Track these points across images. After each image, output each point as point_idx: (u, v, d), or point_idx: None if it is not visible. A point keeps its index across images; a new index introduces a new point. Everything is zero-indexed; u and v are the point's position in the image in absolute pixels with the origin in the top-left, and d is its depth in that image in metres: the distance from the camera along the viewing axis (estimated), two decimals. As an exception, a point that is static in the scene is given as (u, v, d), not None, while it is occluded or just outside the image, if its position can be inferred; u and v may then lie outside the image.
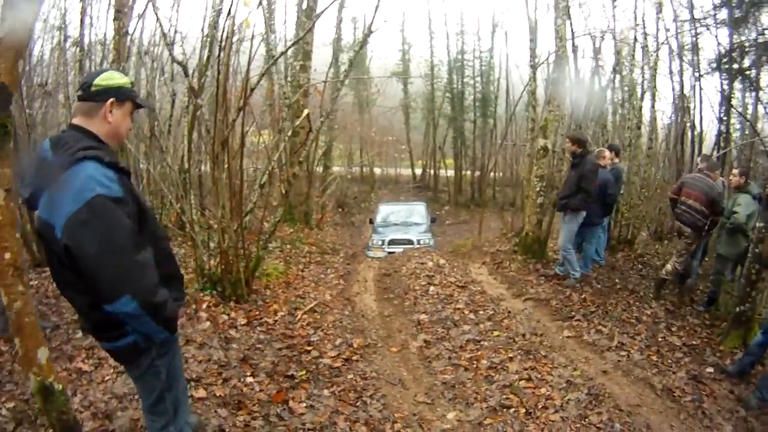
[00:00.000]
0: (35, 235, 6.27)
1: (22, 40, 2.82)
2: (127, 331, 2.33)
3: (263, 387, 4.42)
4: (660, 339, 6.04)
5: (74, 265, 2.12)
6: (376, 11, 7.19)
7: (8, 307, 2.90)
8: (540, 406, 4.40)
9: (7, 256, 2.86)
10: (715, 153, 12.24)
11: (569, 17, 10.02)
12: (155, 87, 9.32)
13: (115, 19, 7.60)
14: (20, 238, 3.05)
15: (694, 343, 6.00)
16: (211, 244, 6.73)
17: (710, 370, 5.28)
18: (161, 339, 2.39)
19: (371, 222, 16.61)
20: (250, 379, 4.50)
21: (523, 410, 4.34)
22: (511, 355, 5.40)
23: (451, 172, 30.71)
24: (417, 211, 16.44)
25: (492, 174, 27.03)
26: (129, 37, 8.58)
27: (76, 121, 2.33)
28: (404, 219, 15.89)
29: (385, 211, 16.81)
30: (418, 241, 13.66)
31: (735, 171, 7.31)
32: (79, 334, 4.98)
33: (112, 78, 2.35)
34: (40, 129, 8.48)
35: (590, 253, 8.68)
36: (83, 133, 2.28)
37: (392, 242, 13.67)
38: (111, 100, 2.30)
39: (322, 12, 6.83)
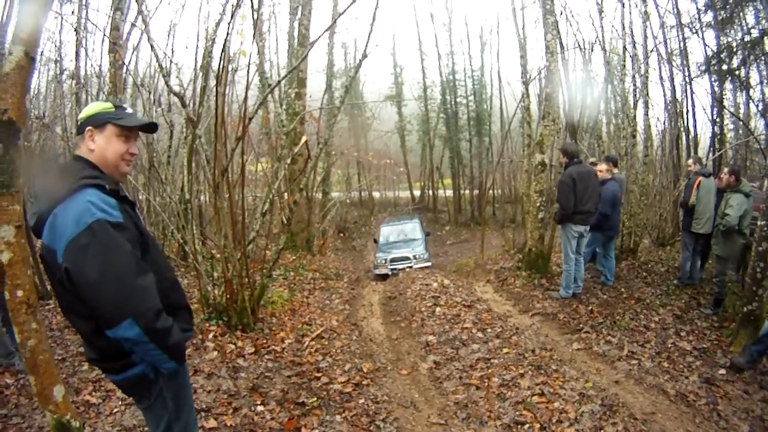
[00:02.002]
0: (35, 266, 6.25)
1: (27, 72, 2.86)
2: (134, 360, 2.31)
3: (274, 415, 4.38)
4: (670, 345, 6.02)
5: (75, 289, 2.13)
6: (369, 37, 7.24)
7: (22, 345, 2.89)
8: (554, 421, 4.35)
9: (20, 293, 2.85)
10: (710, 155, 12.31)
11: (558, 31, 10.11)
12: (153, 118, 9.33)
13: (110, 51, 7.67)
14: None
15: (704, 346, 5.98)
16: (215, 274, 6.72)
17: (722, 372, 5.26)
18: (168, 369, 2.35)
19: (375, 242, 18.02)
20: (260, 408, 4.47)
21: (538, 425, 4.30)
22: (522, 371, 5.37)
23: (449, 192, 30.83)
24: (412, 228, 18.10)
25: (491, 191, 27.12)
26: (125, 69, 8.65)
27: (77, 152, 2.38)
28: (402, 237, 17.42)
29: (386, 230, 18.35)
30: (415, 257, 15.46)
31: (725, 170, 7.37)
32: (85, 367, 4.96)
33: (90, 108, 2.39)
34: (39, 161, 8.50)
35: (612, 265, 8.78)
36: (85, 163, 2.31)
37: (393, 260, 15.40)
38: (89, 128, 2.34)
39: (317, 39, 6.85)
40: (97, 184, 2.18)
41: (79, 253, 2.05)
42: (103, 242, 2.07)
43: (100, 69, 10.48)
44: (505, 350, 5.99)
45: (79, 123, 2.39)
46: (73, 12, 10.32)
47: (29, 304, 2.88)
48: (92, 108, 2.39)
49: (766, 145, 6.53)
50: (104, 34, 8.93)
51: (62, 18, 10.76)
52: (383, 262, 15.54)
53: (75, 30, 10.05)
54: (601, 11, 12.32)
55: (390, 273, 14.59)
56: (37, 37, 3.03)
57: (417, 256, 15.52)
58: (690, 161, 9.04)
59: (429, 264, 15.42)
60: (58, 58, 11.20)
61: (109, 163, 2.36)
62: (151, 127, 2.64)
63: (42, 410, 3.44)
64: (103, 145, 2.35)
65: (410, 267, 14.68)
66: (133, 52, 10.17)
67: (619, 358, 5.70)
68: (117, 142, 2.37)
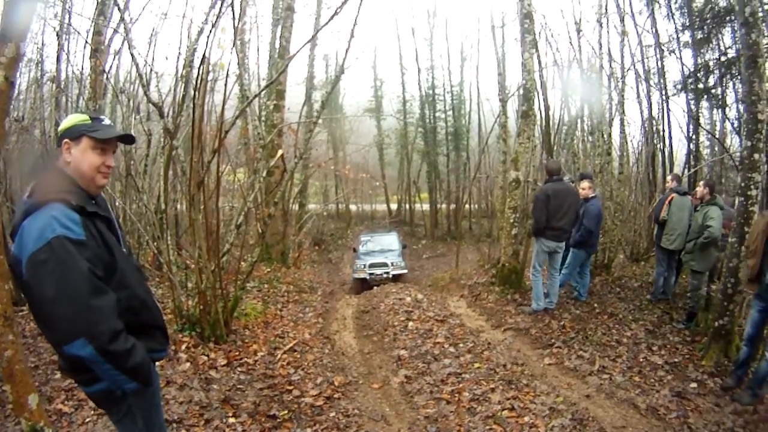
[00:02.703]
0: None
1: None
2: (99, 376, 2.27)
3: (246, 428, 4.35)
4: (641, 359, 6.10)
5: (33, 303, 2.15)
6: (346, 53, 7.26)
7: None
8: (524, 435, 4.39)
9: (-3, 306, 2.86)
10: (686, 171, 12.53)
11: (537, 50, 10.24)
12: (131, 126, 9.27)
13: (91, 56, 7.61)
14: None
15: (675, 360, 6.06)
16: (189, 285, 6.67)
17: (694, 385, 5.34)
18: (131, 389, 2.32)
19: (355, 251, 19.09)
20: (232, 420, 4.44)
21: (508, 439, 4.33)
22: (492, 385, 5.38)
23: (426, 206, 30.84)
24: (390, 240, 19.51)
25: (467, 206, 27.23)
26: (105, 75, 8.57)
27: (56, 164, 2.37)
28: (381, 247, 18.46)
29: (365, 239, 19.44)
30: (392, 264, 16.75)
31: (700, 183, 7.54)
32: (58, 375, 4.88)
33: (67, 121, 2.38)
34: (17, 165, 8.37)
35: (586, 281, 8.91)
36: (61, 176, 2.30)
37: (372, 266, 16.55)
38: (65, 140, 2.33)
39: (296, 53, 6.86)
40: (63, 199, 2.16)
41: (37, 268, 2.05)
42: (60, 259, 2.05)
43: (81, 73, 10.38)
44: (476, 365, 6.02)
45: (58, 136, 2.38)
46: (56, 15, 10.25)
47: (6, 316, 2.91)
48: (69, 120, 2.38)
49: (741, 162, 6.65)
50: (86, 40, 8.86)
51: (45, 21, 10.68)
52: (362, 267, 16.59)
53: (57, 34, 9.96)
54: (579, 30, 12.53)
55: (368, 277, 15.94)
56: (17, 62, 3.03)
57: (394, 264, 16.75)
58: (669, 177, 9.24)
59: (405, 271, 17.01)
60: (40, 60, 11.10)
61: (85, 176, 2.35)
62: (127, 139, 2.63)
63: (15, 418, 3.42)
64: (78, 157, 2.33)
65: (387, 273, 15.91)
66: (114, 58, 10.09)
67: (590, 373, 5.75)
68: (92, 154, 2.36)
